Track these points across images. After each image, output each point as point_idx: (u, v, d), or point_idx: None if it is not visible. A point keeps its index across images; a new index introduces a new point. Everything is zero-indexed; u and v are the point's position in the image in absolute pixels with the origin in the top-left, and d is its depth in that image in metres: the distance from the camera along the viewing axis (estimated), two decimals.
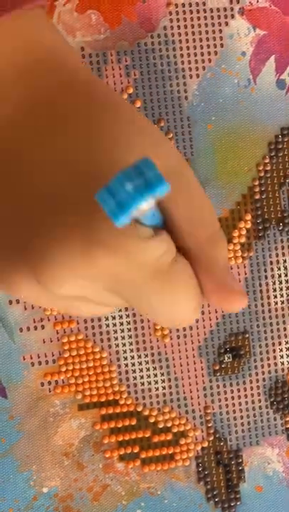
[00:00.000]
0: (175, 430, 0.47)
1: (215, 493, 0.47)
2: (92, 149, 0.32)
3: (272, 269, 0.48)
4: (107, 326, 0.46)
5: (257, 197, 0.48)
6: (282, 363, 0.48)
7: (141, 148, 0.32)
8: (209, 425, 0.47)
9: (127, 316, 0.46)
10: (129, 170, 0.23)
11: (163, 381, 0.47)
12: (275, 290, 0.48)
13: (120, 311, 0.46)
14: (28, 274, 0.32)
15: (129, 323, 0.47)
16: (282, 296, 0.48)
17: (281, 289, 0.48)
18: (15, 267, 0.32)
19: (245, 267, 0.48)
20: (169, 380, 0.47)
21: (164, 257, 0.31)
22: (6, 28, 0.34)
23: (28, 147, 0.33)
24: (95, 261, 0.30)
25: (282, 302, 0.48)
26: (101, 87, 0.35)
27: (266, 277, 0.48)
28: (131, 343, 0.47)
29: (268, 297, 0.48)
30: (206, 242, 0.33)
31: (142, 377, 0.47)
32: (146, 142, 0.33)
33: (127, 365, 0.47)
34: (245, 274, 0.48)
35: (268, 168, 0.48)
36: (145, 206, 0.24)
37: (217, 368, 0.48)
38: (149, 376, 0.47)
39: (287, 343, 0.48)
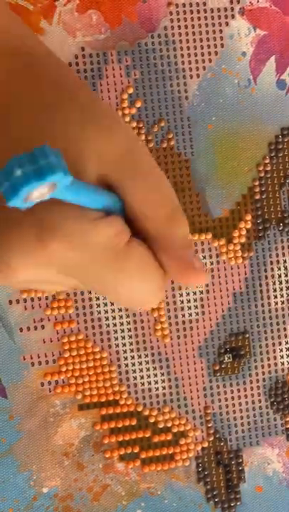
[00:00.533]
0: (175, 430, 0.47)
1: (215, 493, 0.47)
2: (35, 137, 0.32)
3: (272, 269, 0.48)
4: (108, 326, 0.46)
5: (257, 197, 0.48)
6: (283, 363, 0.48)
7: (89, 133, 0.32)
8: (209, 425, 0.47)
9: (127, 316, 0.46)
10: (24, 155, 0.24)
11: (163, 381, 0.47)
12: (275, 290, 0.48)
13: (120, 310, 0.46)
14: None
15: (129, 323, 0.47)
16: (282, 296, 0.48)
17: (281, 289, 0.48)
18: None
19: (245, 267, 0.48)
20: (169, 380, 0.47)
21: (116, 239, 0.31)
22: None
23: None
24: (47, 249, 0.31)
25: (283, 302, 0.48)
26: (56, 74, 0.35)
27: (266, 277, 0.48)
28: (131, 343, 0.47)
29: (268, 297, 0.48)
30: (165, 221, 0.34)
31: (142, 377, 0.47)
32: (93, 129, 0.33)
33: (127, 365, 0.47)
34: (246, 274, 0.48)
35: (268, 168, 0.48)
36: (39, 192, 0.24)
37: (217, 368, 0.48)
38: (149, 376, 0.47)
39: (287, 343, 0.48)
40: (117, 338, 0.46)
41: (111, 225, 0.31)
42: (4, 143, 0.33)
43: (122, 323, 0.46)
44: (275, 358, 0.48)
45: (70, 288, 0.36)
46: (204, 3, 0.47)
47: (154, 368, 0.47)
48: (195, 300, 0.47)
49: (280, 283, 0.48)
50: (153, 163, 0.34)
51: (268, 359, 0.48)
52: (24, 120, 0.33)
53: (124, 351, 0.47)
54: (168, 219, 0.34)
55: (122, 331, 0.46)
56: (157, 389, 0.47)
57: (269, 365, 0.48)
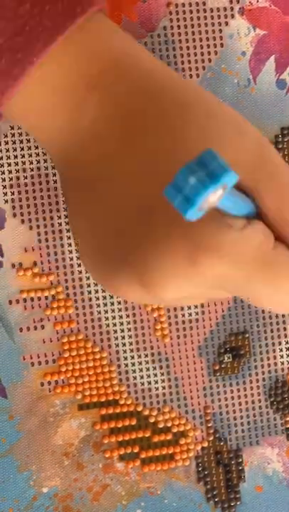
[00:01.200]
0: (175, 430, 0.47)
1: (215, 493, 0.47)
2: (175, 151, 0.32)
3: None
4: (107, 326, 0.46)
5: None
6: (282, 363, 0.48)
7: (222, 140, 0.32)
8: (209, 425, 0.47)
9: (127, 316, 0.46)
10: (191, 163, 0.23)
11: (163, 381, 0.47)
12: None
13: (120, 310, 0.46)
14: (132, 282, 0.32)
15: (129, 323, 0.47)
16: None
17: None
18: (120, 275, 0.33)
19: None
20: (169, 379, 0.47)
21: (263, 245, 0.31)
22: (70, 41, 0.34)
23: (112, 159, 0.33)
24: (199, 268, 0.30)
25: None
26: (177, 84, 0.35)
27: None
28: (131, 343, 0.47)
29: None
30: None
31: (141, 377, 0.47)
32: (228, 133, 0.32)
33: (126, 365, 0.47)
34: None
35: None
36: (213, 197, 0.24)
37: (217, 367, 0.48)
38: (149, 376, 0.47)
39: (287, 343, 0.48)
40: (116, 338, 0.46)
41: (257, 232, 0.31)
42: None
43: (121, 323, 0.46)
44: (275, 357, 0.48)
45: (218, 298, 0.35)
46: (204, 3, 0.47)
47: (154, 368, 0.47)
48: None
49: None
50: (283, 162, 0.33)
51: (268, 359, 0.48)
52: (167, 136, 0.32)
53: (124, 351, 0.47)
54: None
55: (122, 330, 0.46)
56: (157, 389, 0.47)
57: (269, 365, 0.48)
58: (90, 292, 0.46)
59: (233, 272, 0.31)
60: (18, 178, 0.45)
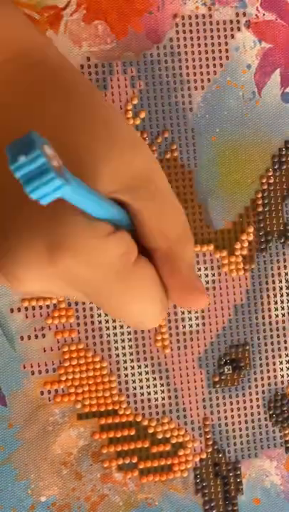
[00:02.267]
0: (174, 441, 0.47)
1: (212, 504, 0.47)
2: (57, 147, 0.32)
3: (273, 282, 0.48)
4: (108, 335, 0.46)
5: (260, 209, 0.48)
6: (282, 376, 0.48)
7: (112, 151, 0.32)
8: (208, 437, 0.47)
9: (128, 326, 0.46)
10: (10, 159, 0.24)
11: (162, 392, 0.47)
12: (276, 303, 0.48)
13: (121, 320, 0.46)
14: None
15: (129, 333, 0.47)
16: (283, 308, 0.48)
17: (282, 302, 0.48)
18: None
19: (246, 279, 0.48)
20: (169, 390, 0.47)
21: (124, 256, 0.31)
22: None
23: None
24: (57, 265, 0.31)
25: (283, 315, 0.48)
26: (84, 86, 0.35)
27: (267, 290, 0.48)
28: (131, 353, 0.47)
29: (269, 310, 0.48)
30: (175, 242, 0.34)
31: (141, 387, 0.47)
32: (120, 146, 0.33)
33: (126, 375, 0.47)
34: (247, 286, 0.48)
35: (271, 181, 0.48)
36: (47, 150, 0.25)
37: (217, 379, 0.48)
38: (148, 386, 0.47)
39: (287, 355, 0.48)
40: (117, 348, 0.46)
41: (121, 243, 0.31)
42: None
43: (122, 333, 0.47)
44: (274, 370, 0.48)
45: (75, 299, 0.36)
46: (210, 16, 0.47)
47: (154, 379, 0.47)
48: (196, 311, 0.47)
49: (281, 295, 0.48)
50: (168, 185, 0.34)
51: (268, 371, 0.48)
52: (48, 126, 0.32)
53: (125, 361, 0.47)
54: (179, 239, 0.34)
55: (123, 340, 0.47)
56: (157, 399, 0.47)
57: (269, 378, 0.48)
58: (91, 302, 0.46)
59: (89, 276, 0.31)
60: None
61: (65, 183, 0.25)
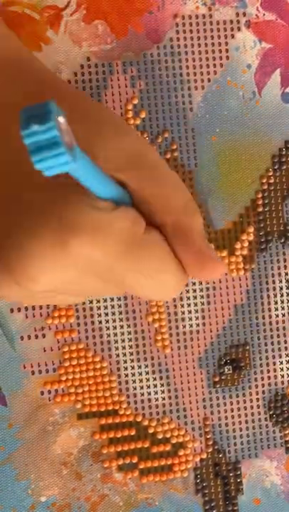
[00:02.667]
0: (174, 441, 0.47)
1: (213, 504, 0.47)
2: None
3: (273, 282, 0.48)
4: (108, 335, 0.46)
5: (260, 209, 0.48)
6: (282, 376, 0.48)
7: (101, 137, 0.33)
8: (208, 437, 0.47)
9: (128, 326, 0.46)
10: (23, 124, 0.24)
11: (163, 392, 0.47)
12: (276, 303, 0.48)
13: (121, 320, 0.46)
14: (5, 277, 0.32)
15: (130, 333, 0.47)
16: (283, 308, 0.48)
17: (282, 302, 0.48)
18: None
19: (247, 279, 0.48)
20: (169, 390, 0.47)
21: (132, 229, 0.31)
22: None
23: None
24: (69, 249, 0.30)
25: (284, 315, 0.48)
26: (64, 88, 0.36)
27: (268, 290, 0.48)
28: (131, 353, 0.47)
29: (269, 310, 0.48)
30: (181, 213, 0.34)
31: (141, 387, 0.47)
32: (106, 132, 0.33)
33: (127, 375, 0.47)
34: (247, 286, 0.48)
35: (272, 181, 0.48)
36: (63, 128, 0.24)
37: (217, 379, 0.48)
38: (149, 386, 0.47)
39: (287, 355, 0.48)
40: (117, 348, 0.46)
41: (126, 216, 0.31)
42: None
43: (122, 333, 0.46)
44: (275, 370, 0.48)
45: (88, 296, 0.35)
46: (210, 16, 0.47)
47: (154, 379, 0.47)
48: (196, 311, 0.47)
49: (282, 295, 0.48)
50: (163, 162, 0.34)
51: (268, 371, 0.48)
52: None
53: (125, 361, 0.47)
54: (184, 210, 0.34)
55: (123, 340, 0.46)
56: (157, 399, 0.47)
57: (269, 378, 0.48)
58: (91, 302, 0.46)
59: (101, 254, 0.31)
60: None
61: (73, 160, 0.25)
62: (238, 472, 0.48)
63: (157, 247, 0.33)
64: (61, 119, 0.24)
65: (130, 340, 0.47)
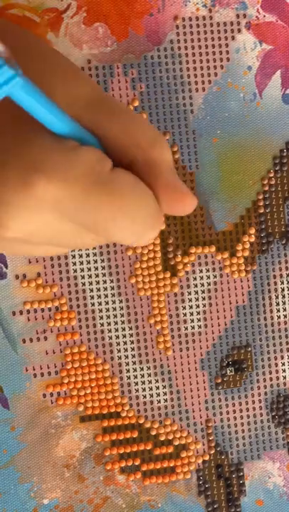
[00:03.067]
0: (176, 443, 0.47)
1: (215, 506, 0.47)
2: None
3: (275, 283, 0.48)
4: (110, 338, 0.46)
5: (261, 211, 0.48)
6: (285, 377, 0.48)
7: (55, 80, 0.33)
8: (210, 438, 0.47)
9: (130, 328, 0.47)
10: None
11: (165, 394, 0.47)
12: (278, 304, 0.48)
13: (123, 323, 0.46)
14: None
15: (131, 335, 0.47)
16: (284, 310, 0.48)
17: (284, 303, 0.48)
18: None
19: (248, 280, 0.48)
20: (171, 392, 0.47)
21: (98, 165, 0.31)
22: None
23: None
24: (35, 189, 0.30)
25: (285, 316, 0.48)
26: (21, 31, 0.36)
27: (269, 291, 0.48)
28: (133, 356, 0.47)
29: (271, 311, 0.48)
30: (149, 147, 0.33)
31: (143, 389, 0.47)
32: (60, 76, 0.33)
33: (129, 378, 0.47)
34: (249, 287, 0.48)
35: (273, 182, 0.48)
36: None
37: (219, 381, 0.48)
38: (151, 389, 0.47)
39: None
40: (119, 350, 0.46)
41: (90, 152, 0.31)
42: None
43: (124, 336, 0.46)
44: (277, 371, 0.48)
45: (70, 246, 0.34)
46: (211, 17, 0.47)
47: (156, 381, 0.47)
48: (198, 313, 0.47)
49: (283, 297, 0.48)
50: (125, 105, 0.34)
51: (270, 373, 0.48)
52: None
53: (127, 363, 0.47)
54: (152, 144, 0.33)
55: (125, 343, 0.46)
56: (159, 401, 0.47)
57: (271, 379, 0.48)
58: (93, 304, 0.46)
59: (67, 193, 0.30)
60: None
61: (17, 74, 0.24)
62: (241, 474, 0.48)
63: (126, 181, 0.32)
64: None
65: (132, 342, 0.47)
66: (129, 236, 0.33)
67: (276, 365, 0.48)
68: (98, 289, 0.46)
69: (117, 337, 0.46)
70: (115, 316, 0.46)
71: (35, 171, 0.30)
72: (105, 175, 0.31)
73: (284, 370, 0.48)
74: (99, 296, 0.46)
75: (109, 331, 0.46)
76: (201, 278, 0.47)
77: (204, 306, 0.47)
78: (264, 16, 0.48)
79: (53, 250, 0.35)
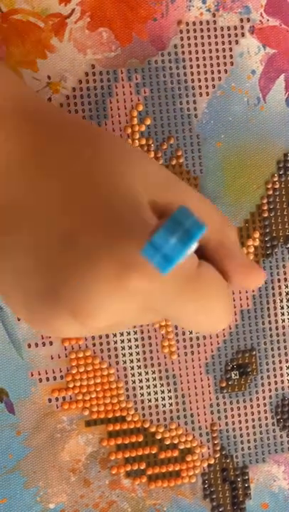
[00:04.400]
0: (182, 447, 0.47)
1: (221, 510, 0.47)
2: (91, 175, 0.32)
3: (279, 287, 0.48)
4: (115, 342, 0.46)
5: (265, 215, 0.48)
6: None
7: (132, 163, 0.33)
8: (216, 442, 0.48)
9: (135, 332, 0.47)
10: (168, 223, 0.24)
11: (170, 398, 0.47)
12: (282, 308, 0.48)
13: (128, 327, 0.47)
14: (67, 318, 0.32)
15: (136, 339, 0.47)
16: None
17: (288, 307, 0.48)
18: (55, 316, 0.33)
19: None
20: (176, 396, 0.47)
21: (188, 262, 0.31)
22: None
23: (25, 198, 0.33)
24: (125, 282, 0.30)
25: None
26: (78, 121, 0.36)
27: (274, 295, 0.48)
28: (138, 360, 0.47)
29: (276, 315, 0.48)
30: (221, 228, 0.34)
31: (149, 393, 0.47)
32: (135, 158, 0.34)
33: (134, 382, 0.47)
34: (253, 291, 0.48)
35: (277, 186, 0.48)
36: (190, 252, 0.25)
37: (224, 384, 0.48)
38: (156, 393, 0.47)
39: None
40: (124, 355, 0.47)
41: None
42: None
43: (129, 340, 0.47)
44: (282, 375, 0.48)
45: (130, 325, 0.35)
46: (214, 22, 0.47)
47: (162, 385, 0.47)
48: None
49: (288, 300, 0.48)
50: (186, 183, 0.35)
51: (275, 376, 0.48)
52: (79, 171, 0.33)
53: (132, 367, 0.47)
54: (223, 225, 0.34)
55: (130, 347, 0.47)
56: (164, 405, 0.47)
57: (276, 383, 0.48)
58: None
59: (158, 289, 0.31)
60: None
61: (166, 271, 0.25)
62: (246, 477, 0.48)
63: (212, 279, 0.33)
64: (194, 245, 0.25)
65: (137, 346, 0.47)
66: (204, 328, 0.34)
67: (281, 368, 0.48)
68: None
69: (122, 341, 0.47)
70: None
71: (130, 266, 0.30)
72: (193, 272, 0.32)
73: (288, 374, 0.48)
74: None
75: (114, 335, 0.46)
76: None
77: None
78: (268, 20, 0.48)
79: (121, 329, 0.37)
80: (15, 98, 0.36)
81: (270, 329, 0.48)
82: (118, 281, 0.30)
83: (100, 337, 0.46)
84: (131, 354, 0.47)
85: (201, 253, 0.35)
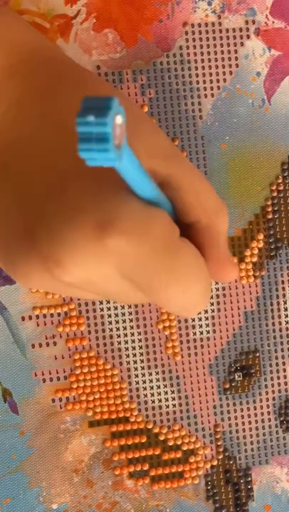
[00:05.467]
0: (185, 448, 0.47)
1: (223, 511, 0.47)
2: None
3: (283, 289, 0.48)
4: (119, 343, 0.46)
5: (269, 216, 0.48)
6: None
7: (141, 132, 0.33)
8: (219, 443, 0.48)
9: (139, 333, 0.47)
10: (80, 112, 0.24)
11: (173, 399, 0.47)
12: (286, 309, 0.48)
13: (132, 328, 0.47)
14: (38, 265, 0.32)
15: (140, 340, 0.47)
16: None
17: None
18: (25, 258, 0.32)
19: (257, 286, 0.48)
20: (180, 397, 0.47)
21: (171, 231, 0.31)
22: None
23: (26, 140, 0.33)
24: (103, 241, 0.30)
25: None
26: (90, 76, 0.36)
27: (278, 296, 0.48)
28: (142, 361, 0.47)
29: (279, 316, 0.48)
30: (213, 214, 0.34)
31: (152, 394, 0.47)
32: (146, 127, 0.33)
33: (138, 383, 0.47)
34: (257, 293, 0.48)
35: (281, 187, 0.48)
36: (119, 129, 0.25)
37: (227, 386, 0.48)
38: (159, 394, 0.47)
39: None
40: (128, 356, 0.47)
41: (166, 218, 0.31)
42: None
43: (133, 341, 0.47)
44: (285, 377, 0.48)
45: (108, 297, 0.35)
46: (220, 24, 0.47)
47: (165, 386, 0.47)
48: (206, 318, 0.47)
49: None
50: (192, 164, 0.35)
51: (278, 378, 0.48)
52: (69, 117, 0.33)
53: (136, 368, 0.47)
54: (216, 211, 0.34)
55: (134, 348, 0.47)
56: (167, 406, 0.47)
57: (279, 384, 0.48)
58: (102, 309, 0.46)
59: (135, 250, 0.30)
60: None
61: (117, 159, 0.25)
62: (249, 479, 0.48)
63: (191, 255, 0.32)
64: (119, 119, 0.24)
65: (141, 347, 0.47)
66: (176, 306, 0.33)
67: (284, 370, 0.48)
68: None
69: (126, 342, 0.47)
70: (124, 321, 0.46)
71: (111, 225, 0.30)
72: (174, 241, 0.31)
73: None
74: (108, 302, 0.46)
75: (118, 336, 0.46)
76: None
77: (213, 311, 0.47)
78: (273, 22, 0.48)
79: (91, 297, 0.36)
80: (32, 44, 0.36)
81: (274, 331, 0.48)
82: (96, 236, 0.30)
83: (104, 338, 0.46)
84: (135, 355, 0.47)
85: (188, 234, 0.34)
